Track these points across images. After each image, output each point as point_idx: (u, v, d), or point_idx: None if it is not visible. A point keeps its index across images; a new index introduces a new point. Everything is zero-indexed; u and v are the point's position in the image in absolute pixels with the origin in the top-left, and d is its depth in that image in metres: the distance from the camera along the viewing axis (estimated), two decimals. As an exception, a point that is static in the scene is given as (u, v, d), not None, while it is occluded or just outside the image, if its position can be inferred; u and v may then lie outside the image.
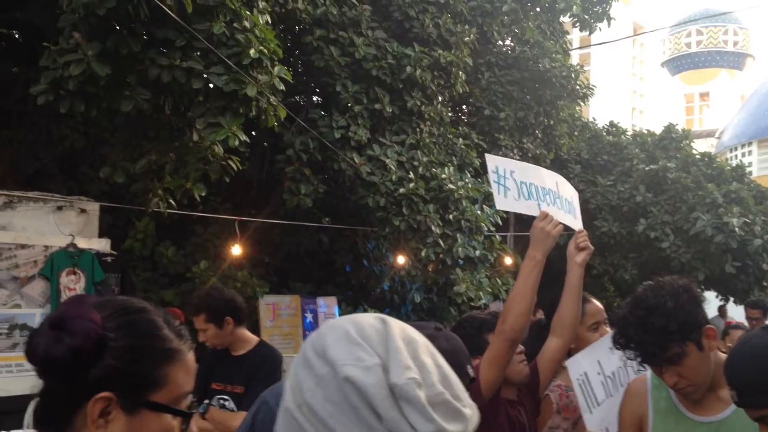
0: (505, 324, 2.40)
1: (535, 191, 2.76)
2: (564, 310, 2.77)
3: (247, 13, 4.63)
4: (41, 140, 7.35)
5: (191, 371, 1.15)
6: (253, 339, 3.54)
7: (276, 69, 4.74)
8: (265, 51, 4.61)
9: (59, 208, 6.52)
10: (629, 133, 13.59)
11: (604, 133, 13.24)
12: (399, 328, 0.90)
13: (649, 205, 11.34)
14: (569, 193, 2.99)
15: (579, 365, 2.70)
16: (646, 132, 13.43)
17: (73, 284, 6.41)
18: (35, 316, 6.17)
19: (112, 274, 6.69)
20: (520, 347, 2.66)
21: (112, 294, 6.65)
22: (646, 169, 11.65)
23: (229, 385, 3.39)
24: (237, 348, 3.47)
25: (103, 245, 6.71)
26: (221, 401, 3.36)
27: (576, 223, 2.93)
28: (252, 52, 4.49)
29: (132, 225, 7.82)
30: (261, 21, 4.87)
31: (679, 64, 38.88)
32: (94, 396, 1.03)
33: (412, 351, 0.86)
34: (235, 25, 4.57)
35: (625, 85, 38.58)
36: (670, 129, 13.01)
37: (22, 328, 5.92)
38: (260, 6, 5.01)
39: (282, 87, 4.83)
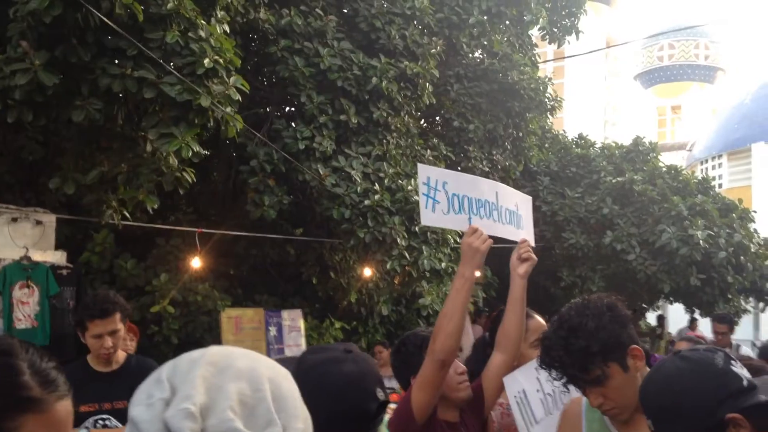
0: (435, 344, 2.32)
1: (468, 204, 2.67)
2: (508, 324, 2.70)
3: (203, 22, 4.56)
4: (-2, 149, 7.18)
5: (57, 424, 1.04)
6: (121, 351, 3.37)
7: (232, 79, 4.66)
8: (221, 61, 4.53)
9: (14, 219, 6.36)
10: (598, 145, 13.71)
11: (574, 146, 13.33)
12: (220, 355, 0.88)
13: (615, 217, 11.41)
14: (513, 201, 2.90)
15: (516, 382, 2.65)
16: (614, 144, 13.55)
17: (26, 298, 6.24)
18: (-14, 330, 6.00)
19: (68, 287, 6.52)
20: (462, 368, 2.60)
21: (68, 305, 6.52)
22: (613, 181, 11.73)
23: (106, 403, 3.16)
24: (110, 362, 3.25)
25: (58, 258, 6.55)
26: (100, 422, 3.19)
27: (517, 233, 2.85)
28: (206, 61, 4.41)
29: (91, 237, 7.66)
30: (218, 30, 4.79)
31: (651, 77, 39.44)
32: None
33: (218, 379, 0.84)
34: (190, 34, 4.49)
35: (598, 98, 39.04)
36: (637, 142, 13.13)
37: (-29, 343, 5.73)
38: (218, 15, 4.94)
39: (238, 97, 4.75)
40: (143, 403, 0.83)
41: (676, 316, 15.87)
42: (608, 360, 1.94)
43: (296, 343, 8.79)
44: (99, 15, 3.68)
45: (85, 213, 6.83)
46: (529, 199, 3.10)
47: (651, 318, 16.77)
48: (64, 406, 1.06)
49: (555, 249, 11.86)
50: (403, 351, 2.63)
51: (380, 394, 1.57)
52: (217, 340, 8.01)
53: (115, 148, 4.88)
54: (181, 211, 8.58)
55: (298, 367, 1.57)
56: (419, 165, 2.73)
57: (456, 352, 2.38)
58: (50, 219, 6.61)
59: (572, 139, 13.70)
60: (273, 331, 8.71)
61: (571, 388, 2.66)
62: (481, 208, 2.71)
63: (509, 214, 2.85)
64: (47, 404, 1.03)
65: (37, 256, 6.29)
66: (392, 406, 2.64)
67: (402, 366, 2.63)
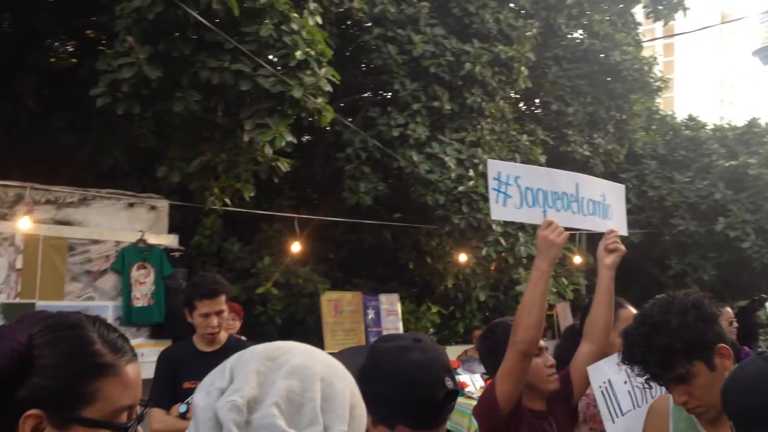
0: (516, 336, 2.33)
1: (542, 197, 2.64)
2: (595, 314, 2.67)
3: (295, 15, 4.71)
4: (116, 138, 7.67)
5: (130, 385, 1.16)
6: (223, 332, 3.48)
7: (323, 70, 4.79)
8: (312, 53, 4.67)
9: (131, 205, 6.81)
10: (710, 126, 12.99)
11: (683, 128, 12.71)
12: (280, 351, 0.92)
13: (729, 203, 10.81)
14: (597, 192, 2.84)
15: (602, 372, 2.60)
16: (727, 126, 12.80)
17: (143, 278, 6.66)
18: (108, 308, 6.46)
19: (180, 269, 6.91)
20: (551, 360, 2.59)
21: (180, 285, 6.91)
22: (726, 165, 11.10)
23: None
24: (213, 342, 3.40)
25: (171, 241, 6.95)
26: None
27: (603, 224, 2.79)
28: (298, 54, 4.56)
29: (201, 222, 8.08)
30: (311, 22, 4.93)
31: (772, 53, 36.82)
32: (24, 414, 1.05)
33: (272, 374, 0.88)
34: (283, 27, 4.66)
35: (712, 75, 36.84)
36: (752, 123, 12.35)
37: (95, 321, 6.22)
38: (311, 7, 5.08)
39: (328, 88, 4.88)
40: (205, 390, 0.89)
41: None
42: (693, 358, 1.90)
43: (394, 327, 8.92)
44: (194, 14, 3.90)
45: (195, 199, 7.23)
46: (620, 187, 3.02)
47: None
48: (134, 369, 1.19)
49: (663, 236, 11.39)
50: (490, 338, 2.63)
51: (449, 383, 1.57)
52: (318, 322, 8.28)
53: (216, 138, 5.14)
54: (284, 196, 8.87)
55: (369, 355, 1.62)
56: (489, 161, 2.74)
57: (537, 343, 2.37)
58: (163, 204, 7.02)
59: (681, 121, 13.05)
60: (371, 314, 8.87)
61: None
62: (558, 201, 2.68)
63: (593, 205, 2.80)
64: (119, 368, 1.15)
65: (152, 240, 6.70)
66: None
67: (489, 353, 2.65)
